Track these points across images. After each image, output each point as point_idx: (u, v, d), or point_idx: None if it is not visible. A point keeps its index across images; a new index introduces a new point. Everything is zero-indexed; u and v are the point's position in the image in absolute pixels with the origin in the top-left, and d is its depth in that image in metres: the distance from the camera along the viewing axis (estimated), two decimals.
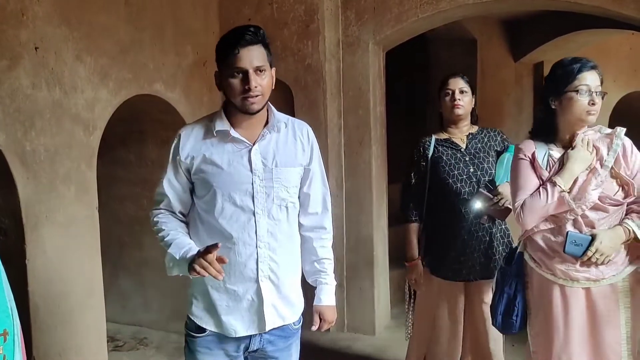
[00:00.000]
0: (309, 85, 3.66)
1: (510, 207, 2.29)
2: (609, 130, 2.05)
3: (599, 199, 1.95)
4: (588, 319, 2.00)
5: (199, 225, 1.76)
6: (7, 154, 2.37)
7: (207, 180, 1.70)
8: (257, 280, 1.72)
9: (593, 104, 1.96)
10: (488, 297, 2.53)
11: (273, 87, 1.71)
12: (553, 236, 2.01)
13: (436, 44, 5.33)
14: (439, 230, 2.63)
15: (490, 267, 2.56)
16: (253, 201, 1.69)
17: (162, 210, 1.78)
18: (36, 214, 2.49)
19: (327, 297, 1.88)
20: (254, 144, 1.71)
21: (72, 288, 2.68)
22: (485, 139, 2.65)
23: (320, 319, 1.89)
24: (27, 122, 2.44)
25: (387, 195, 3.96)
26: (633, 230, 1.94)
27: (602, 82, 2.00)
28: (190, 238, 1.75)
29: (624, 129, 2.03)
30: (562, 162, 2.01)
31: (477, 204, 2.51)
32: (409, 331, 2.80)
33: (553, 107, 2.04)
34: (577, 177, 1.97)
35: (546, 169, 2.04)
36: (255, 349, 1.79)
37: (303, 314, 1.87)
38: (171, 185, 1.75)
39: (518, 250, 2.15)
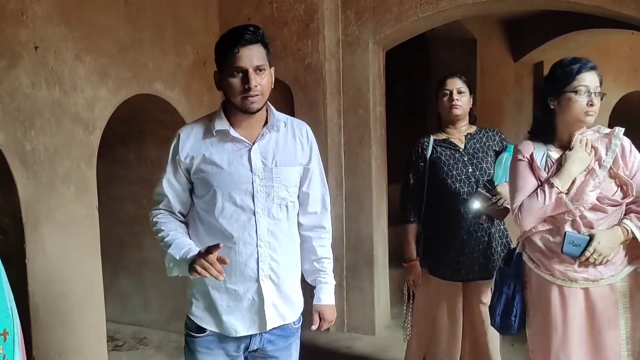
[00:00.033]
0: (309, 84, 3.66)
1: (509, 207, 2.29)
2: (608, 130, 2.05)
3: (598, 199, 1.95)
4: (587, 319, 2.00)
5: (199, 225, 1.76)
6: (7, 153, 2.37)
7: (207, 180, 1.70)
8: (257, 280, 1.72)
9: (592, 105, 1.96)
10: (486, 298, 2.53)
11: (272, 87, 1.71)
12: (551, 237, 2.01)
13: (436, 43, 5.33)
14: (437, 230, 2.63)
15: (489, 268, 2.56)
16: (253, 201, 1.69)
17: (162, 211, 1.78)
18: (36, 214, 2.49)
19: (326, 296, 1.88)
20: (253, 144, 1.71)
21: (72, 288, 2.68)
22: (484, 139, 2.64)
23: (320, 319, 1.89)
24: (27, 122, 2.44)
25: (387, 195, 3.96)
26: (631, 231, 1.94)
27: (601, 83, 2.00)
28: (190, 238, 1.75)
29: (623, 129, 2.03)
30: (560, 163, 2.01)
31: (476, 204, 2.51)
32: (408, 332, 2.80)
33: (552, 107, 2.04)
34: (575, 179, 1.97)
35: (544, 169, 2.04)
36: (255, 348, 1.79)
37: (303, 314, 1.87)
38: (171, 185, 1.75)
39: (517, 251, 2.15)
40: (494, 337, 2.60)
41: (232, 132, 1.69)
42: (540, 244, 2.03)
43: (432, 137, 2.65)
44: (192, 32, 3.43)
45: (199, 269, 1.57)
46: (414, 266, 2.68)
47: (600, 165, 1.98)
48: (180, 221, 1.79)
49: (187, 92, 3.37)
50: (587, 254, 1.91)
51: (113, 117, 2.89)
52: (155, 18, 3.14)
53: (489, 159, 2.61)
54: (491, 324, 2.22)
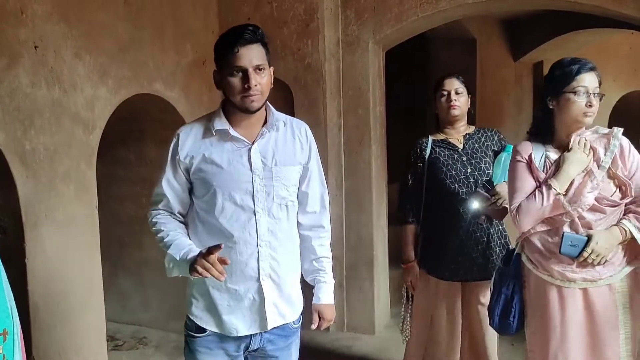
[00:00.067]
0: (309, 84, 3.66)
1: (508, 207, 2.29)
2: (606, 130, 2.04)
3: (596, 200, 1.95)
4: (586, 320, 1.99)
5: (199, 225, 1.76)
6: (6, 153, 2.36)
7: (206, 179, 1.70)
8: (258, 279, 1.72)
9: (590, 106, 1.96)
10: (485, 298, 2.53)
11: (272, 86, 1.71)
12: (550, 237, 2.01)
13: (436, 43, 5.33)
14: (436, 231, 2.63)
15: (487, 268, 2.55)
16: (253, 200, 1.69)
17: (161, 211, 1.78)
18: (36, 213, 2.48)
19: (325, 295, 1.88)
20: (253, 143, 1.71)
21: (72, 287, 2.68)
22: (482, 139, 2.64)
23: (320, 318, 1.89)
24: (27, 121, 2.44)
25: (387, 195, 3.96)
26: (630, 231, 1.94)
27: (600, 84, 1.99)
28: (190, 238, 1.75)
29: (621, 129, 2.02)
30: (558, 164, 2.01)
31: (475, 204, 2.51)
32: (407, 334, 2.79)
33: (551, 107, 2.04)
34: (574, 180, 1.96)
35: (543, 170, 2.04)
36: (255, 348, 1.79)
37: (302, 313, 1.87)
38: (170, 186, 1.75)
39: (516, 252, 2.15)
40: (492, 337, 2.60)
41: (232, 131, 1.69)
42: (539, 244, 2.03)
43: (430, 138, 2.64)
44: (191, 31, 3.43)
45: (199, 269, 1.56)
46: (411, 267, 2.68)
47: (598, 166, 1.98)
48: (180, 221, 1.79)
49: (186, 92, 3.37)
50: (585, 254, 1.91)
51: (113, 116, 2.88)
52: (154, 17, 3.13)
53: (488, 159, 2.61)
54: (490, 324, 2.22)
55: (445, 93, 2.59)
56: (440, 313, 2.66)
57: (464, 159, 2.58)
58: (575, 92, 1.96)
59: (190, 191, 1.77)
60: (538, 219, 2.00)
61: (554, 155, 2.05)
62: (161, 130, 3.45)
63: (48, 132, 2.53)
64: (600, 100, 2.00)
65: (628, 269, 2.00)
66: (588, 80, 1.96)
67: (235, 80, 1.63)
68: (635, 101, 6.35)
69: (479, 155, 2.60)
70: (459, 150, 2.60)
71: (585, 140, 2.01)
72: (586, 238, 1.92)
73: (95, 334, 2.83)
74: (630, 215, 1.97)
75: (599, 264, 1.94)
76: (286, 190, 1.75)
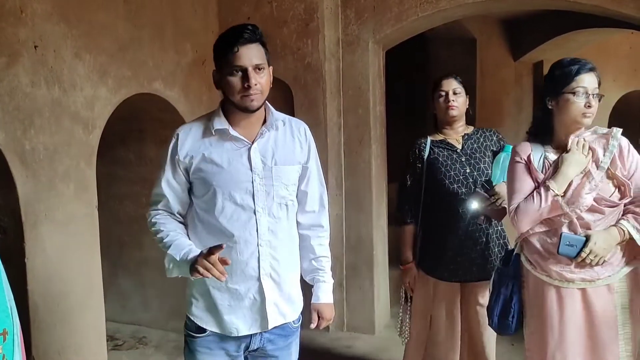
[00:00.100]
0: (309, 84, 3.66)
1: None
2: (605, 130, 2.04)
3: (595, 200, 1.95)
4: (585, 320, 1.99)
5: (198, 225, 1.75)
6: (6, 152, 2.36)
7: (206, 179, 1.70)
8: (258, 279, 1.72)
9: (589, 107, 1.96)
10: (483, 299, 2.53)
11: (271, 86, 1.71)
12: (549, 238, 2.00)
13: (436, 43, 5.33)
14: (435, 231, 2.62)
15: (486, 269, 2.55)
16: (253, 199, 1.69)
17: (160, 211, 1.77)
18: (35, 213, 2.48)
19: (324, 294, 1.88)
20: (253, 143, 1.71)
21: (72, 287, 2.68)
22: (481, 139, 2.64)
23: (319, 317, 1.89)
24: (27, 121, 2.44)
25: (387, 195, 3.96)
26: (628, 231, 1.94)
27: (599, 84, 1.99)
28: (189, 239, 1.75)
29: (620, 130, 2.02)
30: (557, 165, 2.00)
31: (474, 204, 2.50)
32: (407, 335, 2.78)
33: (550, 107, 2.04)
34: (572, 181, 1.96)
35: (542, 171, 2.04)
36: (255, 348, 1.78)
37: (302, 313, 1.87)
38: (170, 186, 1.74)
39: (515, 252, 2.15)
40: (490, 337, 2.60)
41: (232, 131, 1.69)
42: (537, 245, 2.03)
43: (429, 138, 2.64)
44: (191, 31, 3.43)
45: (200, 269, 1.56)
46: (409, 269, 2.68)
47: (597, 167, 1.97)
48: (179, 222, 1.78)
49: (186, 91, 3.37)
50: (583, 254, 1.91)
51: (113, 116, 2.88)
52: (154, 16, 3.13)
53: (487, 159, 2.60)
54: (489, 324, 2.22)
55: (443, 94, 2.58)
56: (439, 313, 2.66)
57: (463, 159, 2.58)
58: (574, 93, 1.96)
59: (190, 191, 1.77)
60: (536, 220, 2.00)
61: (552, 155, 2.05)
62: (161, 129, 3.44)
63: (48, 132, 2.53)
64: (600, 101, 2.00)
65: (627, 269, 1.99)
66: (587, 81, 1.96)
67: (235, 80, 1.63)
68: (635, 101, 6.35)
69: (477, 155, 2.59)
70: (458, 150, 2.60)
71: (584, 141, 2.01)
72: (584, 238, 1.92)
73: (95, 334, 2.82)
74: (629, 215, 1.97)
75: (597, 264, 1.94)
76: (286, 189, 1.75)
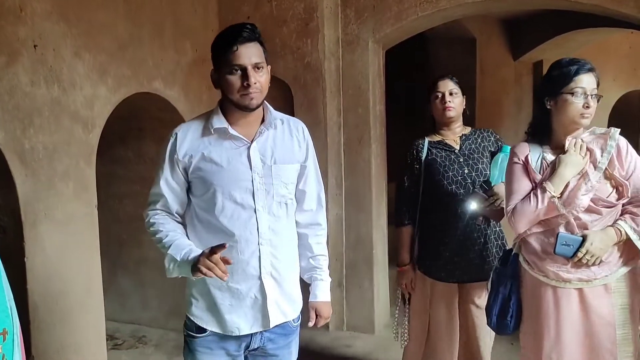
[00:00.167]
0: (309, 83, 3.66)
1: None
2: (603, 131, 2.04)
3: (592, 201, 1.95)
4: (582, 320, 1.99)
5: (198, 225, 1.75)
6: (5, 151, 2.36)
7: (206, 178, 1.70)
8: (259, 278, 1.72)
9: (587, 107, 1.95)
10: (480, 299, 2.53)
11: (269, 85, 1.71)
12: (546, 238, 2.00)
13: (436, 43, 5.33)
14: (433, 232, 2.62)
15: (484, 269, 2.54)
16: (253, 198, 1.69)
17: (159, 211, 1.77)
18: (35, 212, 2.48)
19: (322, 293, 1.88)
20: (252, 142, 1.71)
21: (71, 286, 2.68)
22: (479, 140, 2.63)
23: (317, 315, 1.89)
24: (26, 120, 2.43)
25: (387, 194, 3.96)
26: (625, 231, 1.93)
27: (598, 85, 1.99)
28: (189, 238, 1.74)
29: (618, 130, 2.02)
30: (554, 166, 2.00)
31: (473, 205, 2.50)
32: (406, 337, 2.78)
33: (548, 107, 2.04)
34: (569, 182, 1.96)
35: (540, 171, 2.03)
36: (256, 347, 1.78)
37: (301, 312, 1.87)
38: (168, 185, 1.74)
39: (513, 252, 2.15)
40: (485, 339, 2.60)
41: (231, 130, 1.69)
42: (535, 245, 2.03)
43: (426, 139, 2.64)
44: (191, 30, 3.43)
45: (203, 269, 1.56)
46: (406, 271, 2.68)
47: (595, 167, 1.97)
48: (178, 222, 1.78)
49: (186, 91, 3.37)
50: (580, 254, 1.91)
51: (112, 115, 2.88)
52: (154, 15, 3.13)
53: (485, 159, 2.60)
54: (487, 323, 2.22)
55: (440, 95, 2.57)
56: (437, 314, 2.66)
57: (461, 160, 2.58)
58: (572, 93, 1.95)
59: (188, 190, 1.76)
60: (533, 221, 2.00)
61: (550, 156, 2.04)
62: (160, 128, 3.44)
63: (47, 131, 2.53)
64: (598, 101, 2.00)
65: (624, 269, 1.99)
66: (586, 82, 1.96)
67: (235, 79, 1.63)
68: (634, 100, 6.36)
69: (475, 156, 2.59)
70: (456, 151, 2.59)
71: (582, 142, 2.00)
72: (581, 238, 1.92)
73: (94, 333, 2.82)
74: (627, 215, 1.97)
75: (593, 264, 1.94)
76: (285, 188, 1.75)
